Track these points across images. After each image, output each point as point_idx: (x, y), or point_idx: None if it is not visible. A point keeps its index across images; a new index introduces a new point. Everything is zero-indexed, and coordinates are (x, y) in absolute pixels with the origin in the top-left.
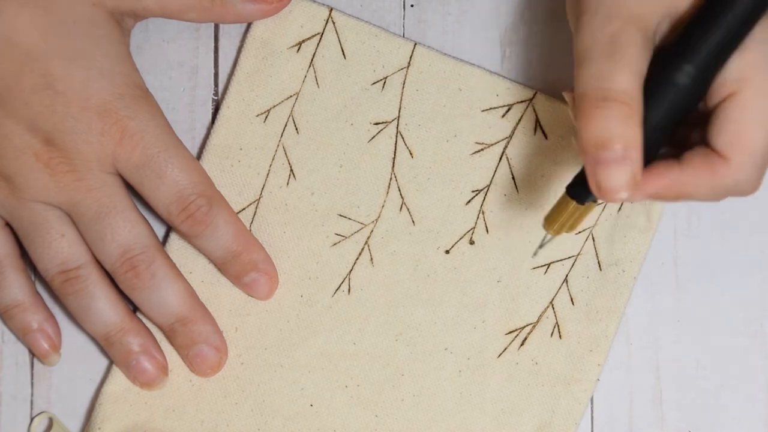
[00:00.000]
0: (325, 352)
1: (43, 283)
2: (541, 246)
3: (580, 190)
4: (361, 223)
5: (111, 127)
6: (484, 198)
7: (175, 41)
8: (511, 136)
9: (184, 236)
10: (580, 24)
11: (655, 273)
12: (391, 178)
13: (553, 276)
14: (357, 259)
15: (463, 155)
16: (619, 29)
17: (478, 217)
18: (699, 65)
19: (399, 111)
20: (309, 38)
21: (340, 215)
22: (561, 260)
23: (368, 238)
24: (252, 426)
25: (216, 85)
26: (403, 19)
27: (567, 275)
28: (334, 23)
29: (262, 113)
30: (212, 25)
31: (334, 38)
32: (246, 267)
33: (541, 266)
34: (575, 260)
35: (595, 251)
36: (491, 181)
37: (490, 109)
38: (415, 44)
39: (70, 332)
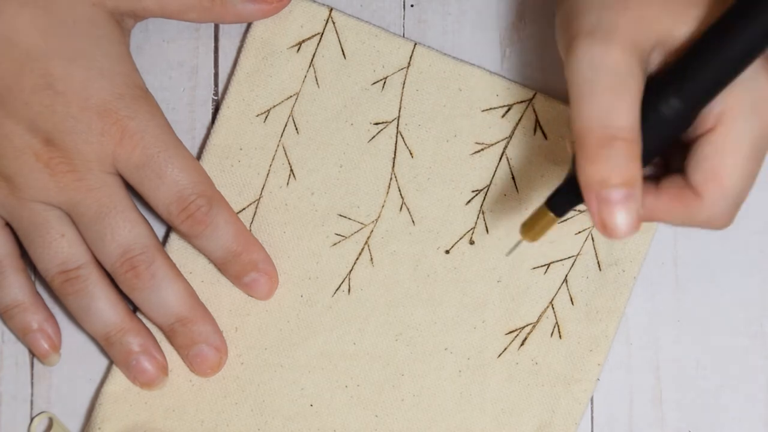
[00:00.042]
0: (325, 352)
1: (43, 283)
2: (514, 248)
3: (561, 205)
4: (361, 223)
5: (111, 127)
6: (484, 198)
7: (175, 41)
8: (511, 136)
9: (184, 236)
10: (574, 48)
11: (655, 273)
12: (391, 178)
13: (552, 276)
14: (357, 259)
15: (463, 155)
16: (620, 59)
17: (478, 217)
18: (689, 100)
19: (399, 111)
20: (309, 38)
21: (340, 215)
22: (561, 260)
23: (368, 238)
24: (252, 426)
25: (216, 85)
26: (403, 19)
27: (567, 275)
28: (334, 23)
29: (262, 113)
30: (212, 25)
31: (334, 38)
32: (246, 267)
33: (541, 266)
34: (575, 260)
35: (595, 251)
36: (491, 181)
37: (490, 109)
38: (415, 44)
39: (70, 332)
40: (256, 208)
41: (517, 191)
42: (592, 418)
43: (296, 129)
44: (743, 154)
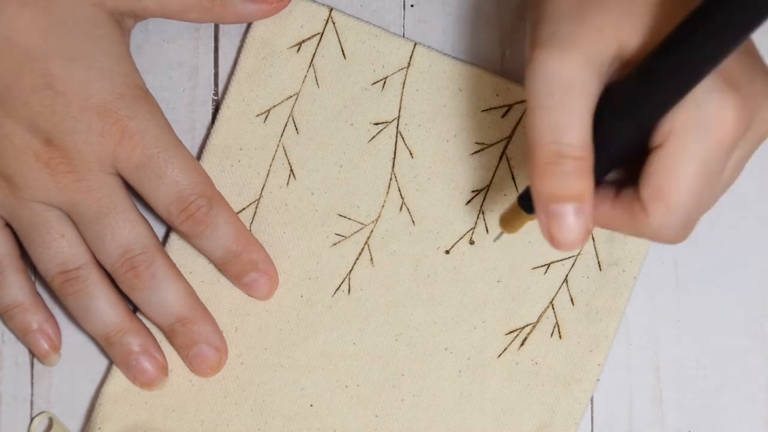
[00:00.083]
0: (325, 352)
1: (43, 283)
2: (498, 237)
3: (530, 204)
4: (361, 223)
5: (111, 128)
6: (484, 198)
7: (175, 41)
8: (511, 136)
9: (184, 236)
10: (530, 60)
11: (655, 273)
12: (391, 178)
13: (553, 276)
14: (357, 259)
15: (463, 155)
16: (574, 73)
17: (478, 217)
18: (637, 118)
19: (399, 111)
20: (309, 38)
21: (340, 215)
22: (561, 260)
23: (368, 238)
24: (252, 426)
25: (216, 85)
26: (403, 19)
27: (567, 275)
28: (334, 23)
29: (262, 113)
30: (212, 25)
31: (334, 38)
32: (246, 267)
33: (541, 266)
34: (575, 260)
35: (595, 251)
36: (491, 181)
37: (490, 109)
38: (415, 44)
39: (70, 332)
40: (256, 208)
41: (517, 191)
42: (592, 418)
43: (296, 129)
44: (690, 173)
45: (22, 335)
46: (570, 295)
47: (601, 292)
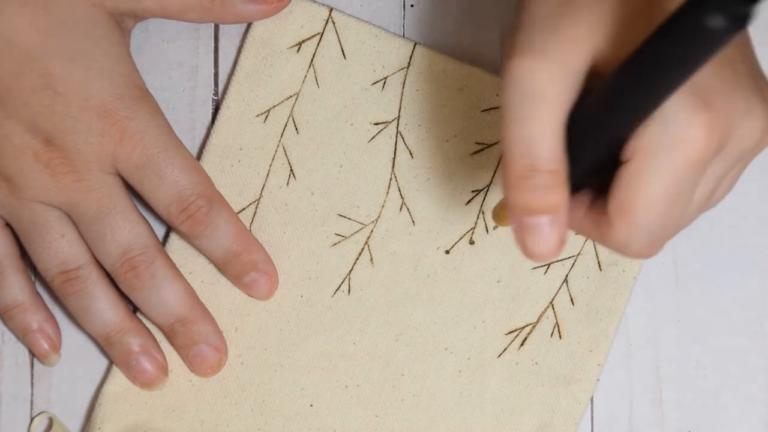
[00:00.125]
0: (325, 352)
1: (43, 283)
2: (495, 228)
3: None
4: (361, 223)
5: (111, 128)
6: (484, 198)
7: (175, 41)
8: None
9: (184, 236)
10: (504, 69)
11: (655, 273)
12: (391, 178)
13: (553, 276)
14: (357, 259)
15: (463, 155)
16: (546, 85)
17: (478, 217)
18: (604, 137)
19: (399, 111)
20: (309, 38)
21: (340, 215)
22: (561, 260)
23: (368, 238)
24: (252, 426)
25: (216, 85)
26: (403, 19)
27: (567, 275)
28: (334, 23)
29: (262, 113)
30: (212, 25)
31: (334, 38)
32: (246, 267)
33: (541, 266)
34: (575, 260)
35: (595, 251)
36: (491, 181)
37: (490, 109)
38: (415, 44)
39: (70, 332)
40: (256, 208)
41: None
42: (592, 418)
43: (296, 129)
44: (655, 192)
45: (22, 335)
46: (570, 295)
47: (601, 292)
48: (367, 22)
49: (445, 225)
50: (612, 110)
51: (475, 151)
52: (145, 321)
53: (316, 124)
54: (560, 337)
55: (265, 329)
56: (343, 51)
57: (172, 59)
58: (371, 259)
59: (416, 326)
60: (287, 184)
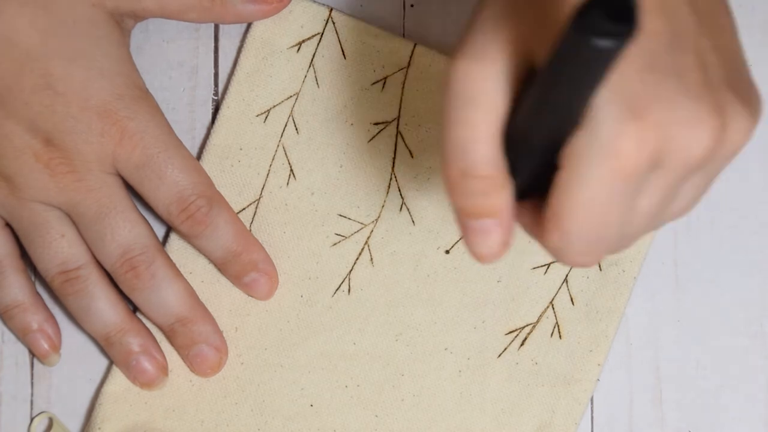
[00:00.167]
0: (325, 352)
1: (43, 283)
2: None
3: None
4: (361, 223)
5: (111, 128)
6: None
7: (175, 41)
8: None
9: (184, 236)
10: (447, 71)
11: (655, 273)
12: (391, 178)
13: (553, 276)
14: (357, 259)
15: None
16: (480, 87)
17: None
18: (542, 137)
19: (399, 111)
20: (309, 38)
21: (340, 215)
22: None
23: (368, 238)
24: (252, 426)
25: (216, 85)
26: (403, 19)
27: (567, 275)
28: (334, 23)
29: (262, 113)
30: (212, 25)
31: (334, 38)
32: (246, 267)
33: (541, 266)
34: None
35: None
36: None
37: None
38: (415, 44)
39: (70, 332)
40: (256, 208)
41: None
42: (592, 418)
43: (296, 129)
44: (585, 201)
45: (22, 335)
46: (570, 295)
47: (601, 292)
48: (367, 22)
49: (445, 225)
50: (535, 117)
51: None
52: (145, 321)
53: (316, 124)
54: (560, 337)
55: (265, 329)
56: (343, 51)
57: (172, 59)
58: (371, 259)
59: (416, 326)
60: (287, 184)
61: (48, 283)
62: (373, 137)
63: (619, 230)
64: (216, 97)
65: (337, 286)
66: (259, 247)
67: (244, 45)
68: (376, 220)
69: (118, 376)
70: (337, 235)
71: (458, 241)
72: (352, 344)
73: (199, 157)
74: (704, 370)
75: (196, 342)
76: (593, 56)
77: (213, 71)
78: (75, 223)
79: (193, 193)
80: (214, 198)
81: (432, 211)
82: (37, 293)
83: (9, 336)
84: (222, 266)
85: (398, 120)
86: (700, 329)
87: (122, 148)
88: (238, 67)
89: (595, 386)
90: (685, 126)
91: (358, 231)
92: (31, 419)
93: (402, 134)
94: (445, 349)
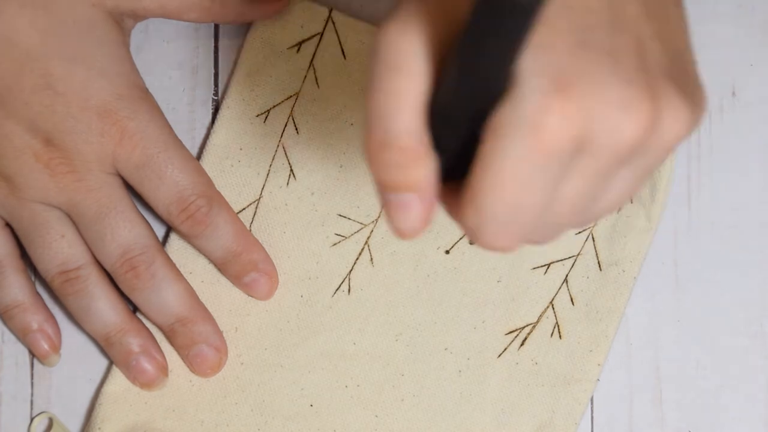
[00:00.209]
0: (325, 352)
1: (43, 283)
2: None
3: None
4: (361, 223)
5: (111, 128)
6: None
7: (175, 41)
8: None
9: (184, 236)
10: (378, 31)
11: (655, 273)
12: None
13: (553, 276)
14: (357, 259)
15: None
16: (403, 55)
17: None
18: (465, 107)
19: None
20: (309, 38)
21: (340, 215)
22: (561, 260)
23: (368, 238)
24: (252, 426)
25: (216, 85)
26: None
27: (567, 275)
28: (334, 23)
29: (262, 113)
30: (212, 25)
31: (334, 38)
32: (246, 267)
33: (541, 266)
34: (575, 260)
35: (595, 251)
36: None
37: None
38: None
39: (70, 332)
40: (256, 208)
41: None
42: (592, 418)
43: (296, 129)
44: (502, 176)
45: (22, 335)
46: (570, 295)
47: (601, 292)
48: (367, 22)
49: (445, 225)
50: (456, 87)
51: None
52: (145, 321)
53: (316, 124)
54: (560, 337)
55: (265, 329)
56: (343, 51)
57: (172, 59)
58: (371, 259)
59: (416, 326)
60: (287, 184)
61: (48, 283)
62: None
63: (539, 215)
64: (216, 97)
65: (337, 286)
66: (259, 247)
67: (244, 45)
68: (376, 220)
69: (118, 376)
70: (337, 235)
71: (458, 241)
72: (352, 344)
73: (199, 157)
74: (704, 370)
75: (196, 342)
76: (509, 11)
77: (213, 71)
78: (75, 223)
79: (193, 193)
80: (214, 198)
81: None
82: (37, 293)
83: (9, 336)
84: (222, 266)
85: None
86: (700, 329)
87: (122, 148)
88: (238, 67)
89: (595, 386)
90: (613, 108)
91: (358, 231)
92: (31, 419)
93: None
94: (445, 349)
